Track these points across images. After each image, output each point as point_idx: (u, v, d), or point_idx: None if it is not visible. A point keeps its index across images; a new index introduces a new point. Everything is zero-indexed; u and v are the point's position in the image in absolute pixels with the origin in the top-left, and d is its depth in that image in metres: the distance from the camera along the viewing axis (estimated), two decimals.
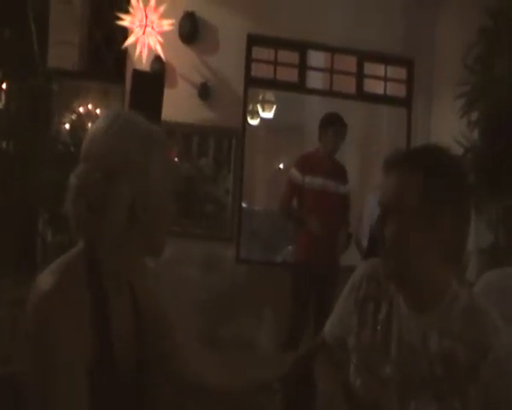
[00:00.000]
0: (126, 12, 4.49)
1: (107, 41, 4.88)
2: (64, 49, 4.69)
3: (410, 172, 1.32)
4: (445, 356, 1.31)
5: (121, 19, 4.48)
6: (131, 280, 1.33)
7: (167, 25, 4.52)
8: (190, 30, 4.72)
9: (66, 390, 1.12)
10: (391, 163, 1.38)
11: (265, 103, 6.59)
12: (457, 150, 3.51)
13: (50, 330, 1.12)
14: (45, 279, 1.17)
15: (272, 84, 5.23)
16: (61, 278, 1.17)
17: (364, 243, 4.51)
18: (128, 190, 1.18)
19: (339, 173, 4.38)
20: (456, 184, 1.33)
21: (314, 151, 4.41)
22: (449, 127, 3.92)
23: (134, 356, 1.28)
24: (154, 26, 4.49)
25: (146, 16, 4.46)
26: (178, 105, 4.61)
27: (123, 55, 4.71)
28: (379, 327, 1.41)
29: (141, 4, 4.47)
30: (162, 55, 4.58)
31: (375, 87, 5.33)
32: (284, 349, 4.24)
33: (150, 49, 4.53)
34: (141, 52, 4.50)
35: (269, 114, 6.65)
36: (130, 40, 4.50)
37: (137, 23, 4.48)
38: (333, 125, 4.30)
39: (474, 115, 3.69)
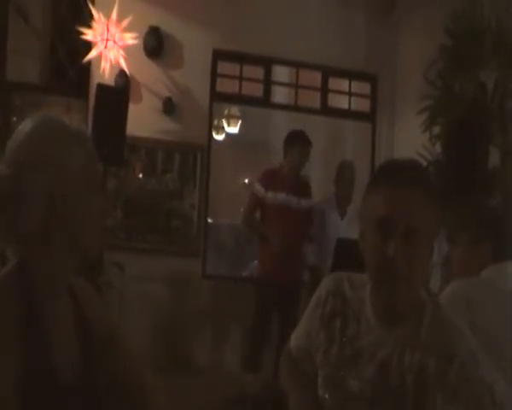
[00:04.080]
0: (89, 26, 4.43)
1: (70, 55, 4.80)
2: (26, 63, 4.61)
3: (426, 193, 1.31)
4: (416, 369, 1.31)
5: (84, 33, 4.42)
6: (75, 291, 1.30)
7: (130, 38, 4.49)
8: (155, 44, 4.70)
9: None
10: (397, 177, 1.33)
11: (231, 118, 6.59)
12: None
13: None
14: None
15: (237, 98, 5.24)
16: None
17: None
18: (39, 185, 1.17)
19: (302, 189, 4.41)
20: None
21: (278, 167, 4.44)
22: (412, 141, 3.97)
23: (79, 366, 1.23)
24: (117, 40, 4.45)
25: (108, 30, 4.41)
26: (143, 120, 4.57)
27: (86, 70, 4.65)
28: (347, 343, 1.41)
29: (102, 18, 4.43)
30: (126, 70, 4.55)
31: (339, 102, 5.38)
32: (246, 364, 4.22)
33: (114, 64, 4.49)
34: (104, 66, 4.45)
35: (234, 129, 6.64)
36: (92, 54, 4.45)
37: (100, 37, 4.43)
38: (298, 143, 4.33)
39: (436, 130, 3.75)
